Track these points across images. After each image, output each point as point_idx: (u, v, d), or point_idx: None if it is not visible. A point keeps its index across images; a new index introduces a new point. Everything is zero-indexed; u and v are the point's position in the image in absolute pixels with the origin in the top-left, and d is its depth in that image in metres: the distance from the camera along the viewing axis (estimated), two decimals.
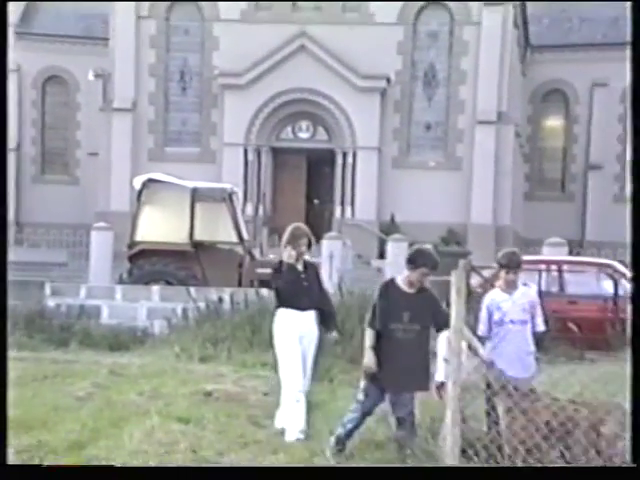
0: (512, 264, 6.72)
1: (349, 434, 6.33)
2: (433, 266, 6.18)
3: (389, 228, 26.40)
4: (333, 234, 21.17)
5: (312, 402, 8.38)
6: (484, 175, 28.33)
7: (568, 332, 10.90)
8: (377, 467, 4.59)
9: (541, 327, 6.71)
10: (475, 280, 12.97)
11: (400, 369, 6.13)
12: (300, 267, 7.09)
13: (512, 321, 6.57)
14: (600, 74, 34.11)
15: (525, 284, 6.99)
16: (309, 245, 7.23)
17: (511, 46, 29.46)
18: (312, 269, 7.22)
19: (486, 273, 13.67)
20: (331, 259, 17.65)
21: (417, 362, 6.16)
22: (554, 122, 36.21)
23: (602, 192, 34.48)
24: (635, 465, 4.10)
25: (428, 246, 7.03)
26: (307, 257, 7.38)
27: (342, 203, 29.03)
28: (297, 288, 7.03)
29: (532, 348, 6.63)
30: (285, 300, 7.09)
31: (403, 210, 27.83)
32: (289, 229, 7.24)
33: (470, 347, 6.24)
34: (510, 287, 6.72)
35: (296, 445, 6.59)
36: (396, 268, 19.37)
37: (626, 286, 13.06)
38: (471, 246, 24.38)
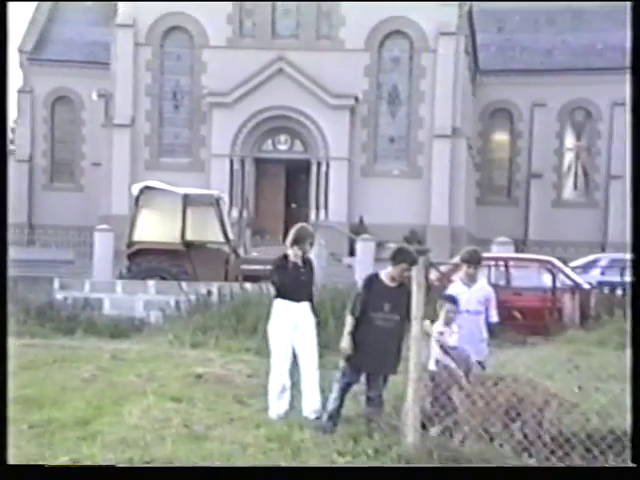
0: (473, 260, 6.73)
1: (336, 412, 6.27)
2: (412, 262, 6.17)
3: (358, 229, 26.41)
4: None
5: (293, 382, 8.39)
6: (441, 182, 28.42)
7: (513, 320, 10.95)
8: (377, 467, 4.53)
9: (494, 318, 6.72)
10: (434, 275, 13.09)
11: (378, 353, 6.13)
12: (300, 263, 6.88)
13: (468, 311, 6.56)
14: (539, 96, 34.42)
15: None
16: (311, 244, 7.02)
17: (463, 70, 29.64)
18: (309, 264, 6.96)
19: (443, 268, 13.85)
20: None
21: (392, 348, 6.14)
22: (501, 136, 36.44)
23: (542, 197, 34.80)
24: (635, 465, 3.90)
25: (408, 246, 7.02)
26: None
27: (317, 207, 29.01)
28: (297, 283, 6.83)
29: (485, 336, 6.64)
30: (284, 293, 6.84)
31: (371, 213, 27.87)
32: (295, 230, 6.96)
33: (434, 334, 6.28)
34: (470, 281, 6.71)
35: (277, 421, 6.57)
36: (364, 265, 19.53)
37: (563, 279, 13.21)
38: (430, 245, 24.49)
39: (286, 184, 29.96)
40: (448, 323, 6.31)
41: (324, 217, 28.58)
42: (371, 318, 6.13)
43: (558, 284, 12.84)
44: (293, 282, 6.79)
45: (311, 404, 6.72)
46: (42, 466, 4.12)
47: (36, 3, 36.91)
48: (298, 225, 7.12)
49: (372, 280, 6.24)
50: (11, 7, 4.37)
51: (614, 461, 5.28)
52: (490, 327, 6.69)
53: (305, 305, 6.91)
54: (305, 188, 29.53)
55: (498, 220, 32.42)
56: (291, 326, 6.82)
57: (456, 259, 15.52)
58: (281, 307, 6.90)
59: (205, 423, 6.41)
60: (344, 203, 28.61)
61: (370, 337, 6.10)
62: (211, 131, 29.14)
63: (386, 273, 6.25)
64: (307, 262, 6.91)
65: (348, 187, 28.77)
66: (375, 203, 28.18)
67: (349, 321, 6.17)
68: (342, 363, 6.28)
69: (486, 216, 33.19)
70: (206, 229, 15.83)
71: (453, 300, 6.40)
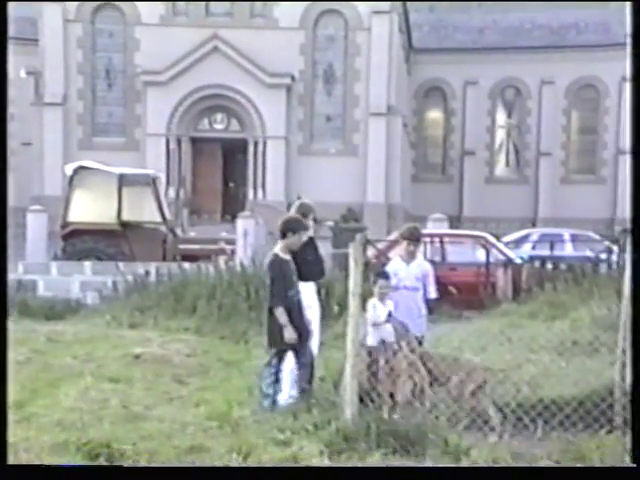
0: (413, 237, 6.76)
1: (275, 395, 6.17)
2: (305, 228, 6.18)
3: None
4: (247, 213, 20.97)
5: (231, 361, 8.37)
6: (377, 160, 28.58)
7: (449, 295, 11.11)
8: (377, 467, 4.48)
9: (433, 294, 6.75)
10: (371, 252, 13.17)
11: (304, 324, 6.18)
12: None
13: (406, 287, 6.60)
14: (471, 74, 34.87)
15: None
16: (314, 220, 6.78)
17: (397, 49, 29.75)
18: (312, 243, 6.66)
19: (380, 245, 13.95)
20: (245, 236, 17.48)
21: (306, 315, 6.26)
22: (435, 114, 36.83)
23: (475, 174, 35.36)
24: (635, 465, 3.87)
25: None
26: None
27: (254, 186, 28.87)
28: (302, 263, 6.48)
29: (423, 312, 6.67)
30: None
31: (308, 191, 27.62)
32: (290, 216, 6.55)
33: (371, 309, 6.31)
34: (410, 257, 6.73)
35: (216, 399, 6.54)
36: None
37: (496, 254, 13.46)
38: (367, 222, 24.64)
39: (223, 163, 29.74)
40: (382, 299, 6.35)
41: (262, 196, 28.47)
42: (290, 297, 6.11)
43: (491, 259, 13.03)
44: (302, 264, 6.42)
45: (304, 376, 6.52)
46: (42, 466, 4.09)
47: None
48: (299, 204, 6.89)
49: (277, 262, 6.16)
50: None
51: (542, 430, 5.44)
52: (428, 303, 6.74)
53: (311, 285, 6.67)
54: (243, 167, 29.33)
55: (433, 197, 32.85)
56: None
57: (393, 236, 15.70)
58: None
59: (144, 403, 6.34)
60: (282, 182, 28.55)
61: (294, 313, 6.11)
62: (146, 110, 28.61)
63: (282, 248, 6.19)
64: (310, 241, 6.60)
65: (285, 166, 28.72)
66: (312, 181, 28.17)
67: (281, 312, 6.04)
68: (271, 350, 6.19)
69: (421, 193, 33.59)
70: (142, 209, 15.62)
71: (385, 276, 6.44)
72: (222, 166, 29.70)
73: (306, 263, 6.52)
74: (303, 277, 6.40)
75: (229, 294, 11.09)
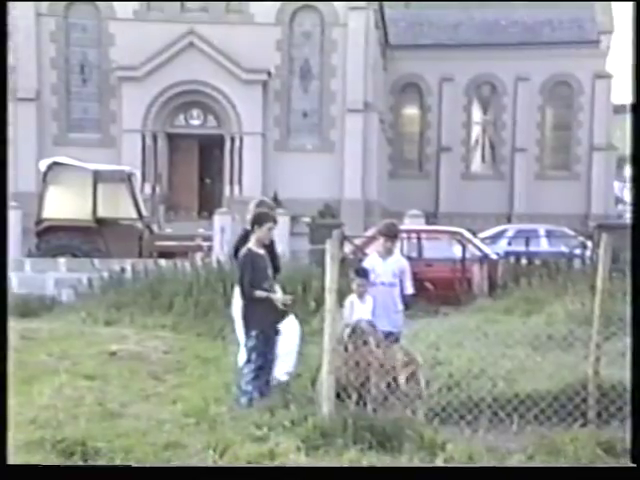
0: (390, 233, 6.78)
1: (253, 391, 6.12)
2: (275, 220, 6.28)
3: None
4: (223, 210, 20.97)
5: (208, 358, 8.35)
6: (354, 156, 28.59)
7: (425, 290, 11.16)
8: (377, 467, 4.50)
9: (409, 290, 6.77)
10: (348, 248, 13.20)
11: (279, 318, 6.26)
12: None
13: (382, 283, 6.62)
14: (447, 70, 35.03)
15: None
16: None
17: (373, 45, 29.81)
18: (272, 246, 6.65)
19: (357, 241, 13.98)
20: (222, 232, 17.46)
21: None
22: (411, 111, 36.93)
23: (451, 170, 35.52)
24: (635, 465, 3.87)
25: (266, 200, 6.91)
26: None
27: (231, 182, 28.77)
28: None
29: (400, 307, 6.68)
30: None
31: (285, 188, 27.80)
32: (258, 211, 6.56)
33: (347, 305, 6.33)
34: (387, 253, 6.75)
35: (193, 396, 6.52)
36: (279, 239, 19.30)
37: (472, 250, 13.54)
38: (344, 218, 24.63)
39: (200, 159, 29.59)
40: (360, 296, 6.37)
41: (238, 192, 28.37)
42: (265, 290, 6.13)
43: (468, 255, 13.13)
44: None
45: (285, 366, 6.60)
46: (42, 466, 4.10)
47: None
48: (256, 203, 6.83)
49: (250, 256, 6.16)
50: None
51: (517, 424, 5.50)
52: (405, 298, 6.77)
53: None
54: (219, 163, 29.21)
55: (410, 193, 32.94)
56: None
57: (370, 232, 15.73)
58: None
59: (120, 401, 6.31)
60: (258, 178, 28.46)
61: (269, 306, 6.13)
62: (121, 106, 28.37)
63: (255, 242, 6.21)
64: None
65: (262, 162, 28.64)
66: (289, 178, 28.14)
67: (260, 293, 6.06)
68: (248, 345, 6.20)
69: (398, 189, 33.67)
70: (118, 205, 15.52)
71: (363, 273, 6.46)
72: (198, 162, 29.55)
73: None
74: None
75: (206, 291, 11.10)
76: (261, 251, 6.22)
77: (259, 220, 6.25)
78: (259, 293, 6.09)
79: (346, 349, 5.86)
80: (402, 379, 5.65)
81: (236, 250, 6.65)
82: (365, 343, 5.79)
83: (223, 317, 10.06)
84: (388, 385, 5.64)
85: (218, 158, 29.24)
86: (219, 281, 11.08)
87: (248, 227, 6.66)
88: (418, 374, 5.72)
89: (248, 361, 6.18)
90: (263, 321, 6.15)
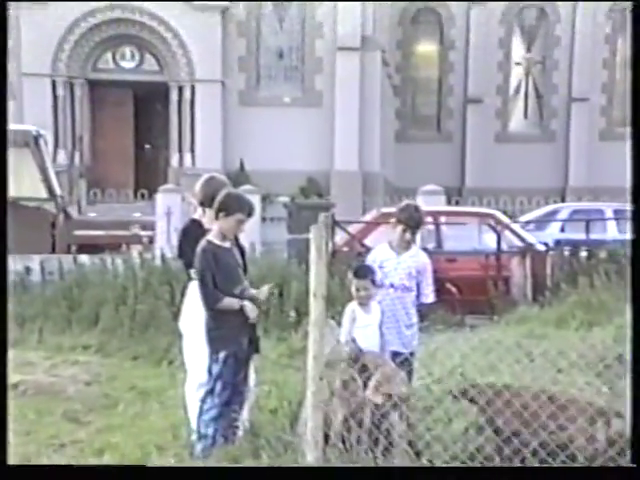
0: (411, 222, 6.68)
1: (215, 435, 6.14)
2: (250, 210, 6.23)
3: (238, 178, 26.33)
4: (170, 187, 20.90)
5: (148, 389, 8.35)
6: (348, 112, 28.61)
7: (446, 294, 11.22)
8: (377, 467, 4.82)
9: (429, 298, 6.76)
10: (340, 237, 13.22)
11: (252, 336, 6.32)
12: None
13: (393, 285, 6.61)
14: None
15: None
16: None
17: None
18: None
19: (353, 229, 14.00)
20: (168, 217, 17.41)
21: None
22: (427, 48, 36.93)
23: (483, 130, 35.56)
24: (635, 465, 4.49)
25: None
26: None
27: (180, 149, 28.77)
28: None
29: (414, 320, 6.69)
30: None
31: (254, 156, 27.83)
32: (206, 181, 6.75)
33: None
34: (403, 247, 6.72)
35: (126, 443, 6.52)
36: (248, 225, 19.22)
37: (510, 239, 13.60)
38: (335, 197, 24.67)
39: (135, 117, 29.55)
40: (363, 303, 6.36)
41: (190, 163, 28.37)
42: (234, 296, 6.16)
43: (504, 245, 13.19)
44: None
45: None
46: (42, 466, 4.99)
47: None
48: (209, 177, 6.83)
49: (210, 251, 6.16)
50: None
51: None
52: (420, 308, 6.74)
53: None
54: (163, 122, 29.21)
55: (425, 162, 33.02)
56: None
57: (371, 216, 15.75)
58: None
59: (22, 454, 6.29)
60: (217, 143, 28.46)
61: (241, 324, 6.15)
62: (20, 41, 28.04)
63: (216, 233, 6.23)
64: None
65: (222, 121, 28.62)
66: (260, 142, 28.15)
67: (229, 301, 6.08)
68: (215, 368, 6.20)
69: (409, 157, 33.73)
70: (20, 180, 15.46)
71: (366, 273, 6.43)
72: (134, 121, 29.54)
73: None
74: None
75: (146, 298, 11.11)
76: (227, 244, 6.22)
77: (225, 206, 6.21)
78: (228, 301, 6.09)
79: (345, 385, 5.85)
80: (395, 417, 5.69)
81: (180, 250, 6.66)
82: (368, 377, 5.80)
83: (170, 333, 10.05)
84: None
85: (161, 115, 29.24)
86: (164, 284, 11.09)
87: (195, 216, 6.67)
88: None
89: (210, 393, 6.18)
90: (234, 339, 6.15)
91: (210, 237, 6.23)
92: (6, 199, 5.28)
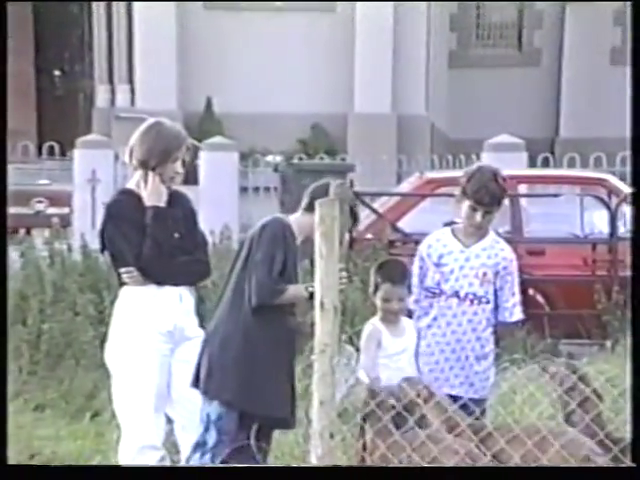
0: (486, 197, 6.63)
1: None
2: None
3: (203, 124, 26.51)
4: (95, 138, 21.09)
5: (59, 457, 8.43)
6: (375, 24, 28.70)
7: (529, 306, 11.29)
8: (377, 467, 5.63)
9: (516, 315, 6.87)
10: (361, 217, 13.29)
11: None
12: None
13: (457, 294, 6.67)
14: None
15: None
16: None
17: None
18: (185, 207, 7.15)
19: (380, 205, 14.04)
20: (93, 185, 17.50)
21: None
22: None
23: (592, 45, 35.43)
24: (635, 465, 5.52)
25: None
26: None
27: (110, 78, 28.87)
28: (171, 246, 6.92)
29: (489, 348, 6.79)
30: (150, 271, 6.91)
31: (230, 92, 27.91)
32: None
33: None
34: (471, 235, 6.78)
35: None
36: (219, 196, 19.03)
37: (627, 217, 13.59)
38: (354, 156, 24.76)
39: (36, 29, 29.67)
40: (390, 320, 6.45)
41: (128, 102, 28.49)
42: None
43: (621, 227, 13.12)
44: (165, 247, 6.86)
45: None
46: (42, 466, 6.93)
47: None
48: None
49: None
50: None
51: None
52: (498, 330, 6.87)
53: (185, 294, 7.01)
54: (80, 37, 29.33)
55: (496, 99, 33.06)
56: (165, 338, 6.91)
57: (410, 184, 15.82)
58: (141, 300, 6.91)
59: None
60: (171, 70, 28.55)
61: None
62: None
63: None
64: (179, 201, 7.02)
65: (177, 36, 28.67)
66: (239, 71, 28.24)
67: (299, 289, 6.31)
68: (213, 412, 6.40)
69: (469, 91, 33.73)
70: None
71: (403, 273, 6.51)
72: (34, 35, 29.69)
73: (171, 247, 6.82)
74: (165, 277, 6.79)
75: (57, 312, 11.16)
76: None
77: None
78: (294, 290, 6.33)
79: (364, 443, 5.99)
80: None
81: (107, 237, 6.88)
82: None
83: (93, 368, 10.16)
84: None
85: (79, 26, 29.34)
86: (86, 289, 11.20)
87: (130, 185, 6.90)
88: None
89: (202, 445, 6.42)
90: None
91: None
92: (6, 202, 5.97)
